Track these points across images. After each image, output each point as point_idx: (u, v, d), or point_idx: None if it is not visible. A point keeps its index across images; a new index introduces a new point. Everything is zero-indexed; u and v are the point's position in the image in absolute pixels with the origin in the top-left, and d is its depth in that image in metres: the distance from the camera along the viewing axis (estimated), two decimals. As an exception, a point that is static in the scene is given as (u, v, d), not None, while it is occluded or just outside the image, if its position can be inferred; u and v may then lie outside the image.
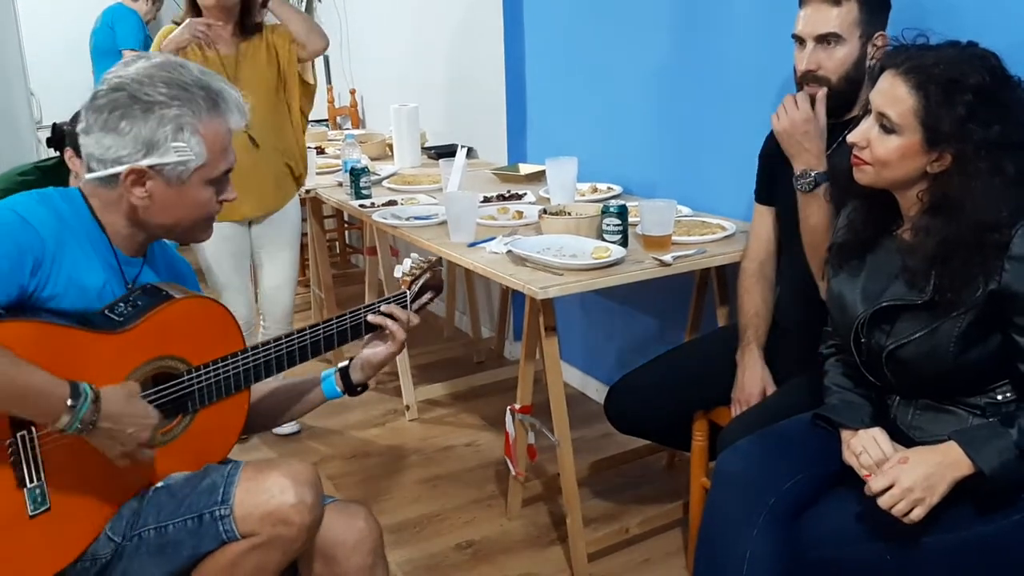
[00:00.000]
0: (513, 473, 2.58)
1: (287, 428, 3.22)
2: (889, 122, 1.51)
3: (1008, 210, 1.44)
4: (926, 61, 1.49)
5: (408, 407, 3.35)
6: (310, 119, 3.19)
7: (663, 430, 2.34)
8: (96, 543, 1.46)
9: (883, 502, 1.46)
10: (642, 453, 2.84)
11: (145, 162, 1.44)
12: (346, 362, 1.75)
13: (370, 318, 1.69)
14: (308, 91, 3.05)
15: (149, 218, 1.51)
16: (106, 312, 1.46)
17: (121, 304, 1.48)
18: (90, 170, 1.47)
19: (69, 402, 1.31)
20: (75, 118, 2.49)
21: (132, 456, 1.42)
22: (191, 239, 1.61)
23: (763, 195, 2.24)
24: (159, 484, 1.52)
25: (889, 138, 1.52)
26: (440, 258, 1.86)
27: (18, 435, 1.34)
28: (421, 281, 1.77)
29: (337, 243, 5.39)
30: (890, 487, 1.46)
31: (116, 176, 1.45)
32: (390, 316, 1.70)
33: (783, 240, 2.19)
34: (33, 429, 1.36)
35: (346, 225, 5.30)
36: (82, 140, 1.46)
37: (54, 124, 2.53)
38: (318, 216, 3.74)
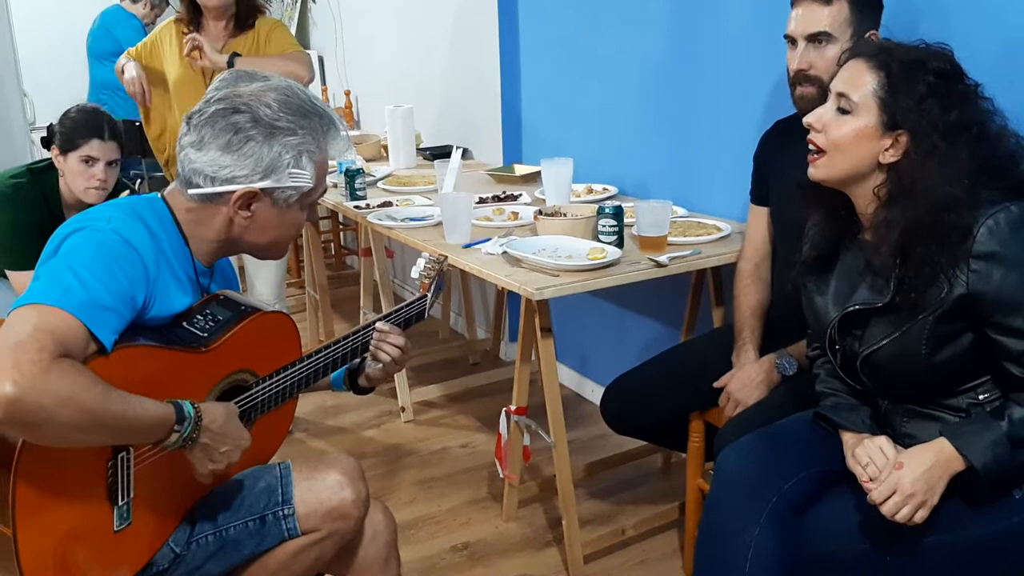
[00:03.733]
0: (502, 475, 2.57)
1: None
2: (848, 102, 1.52)
3: (964, 190, 1.44)
4: (889, 47, 1.53)
5: (403, 409, 3.34)
6: None
7: (659, 430, 2.34)
8: (158, 553, 1.48)
9: (887, 510, 1.46)
10: (638, 454, 2.84)
11: (260, 185, 1.44)
12: (357, 362, 1.77)
13: (371, 353, 1.71)
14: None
15: (243, 237, 1.51)
16: (185, 325, 1.46)
17: (199, 317, 1.48)
18: (193, 185, 1.46)
19: (176, 427, 1.33)
20: (65, 116, 2.51)
21: (217, 473, 1.44)
22: (271, 257, 1.62)
23: (758, 196, 2.24)
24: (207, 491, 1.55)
25: (845, 119, 1.52)
26: (446, 256, 1.88)
27: (119, 456, 1.36)
28: (435, 282, 1.82)
29: (332, 244, 5.39)
30: (892, 495, 1.46)
31: (222, 194, 1.45)
32: (394, 345, 1.71)
33: (777, 241, 2.19)
34: (131, 449, 1.37)
35: (341, 226, 5.30)
36: (189, 154, 1.45)
37: (50, 125, 2.53)
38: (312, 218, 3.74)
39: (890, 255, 1.50)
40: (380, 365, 1.72)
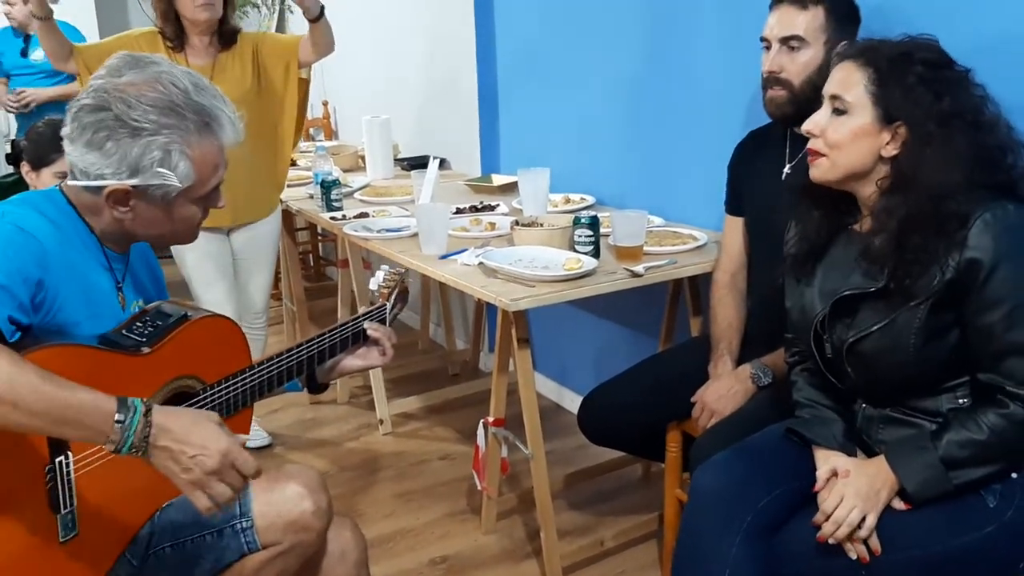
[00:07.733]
0: (479, 487, 2.56)
1: (257, 440, 3.18)
2: (842, 103, 1.53)
3: (962, 177, 1.45)
4: (874, 44, 1.56)
5: (382, 421, 3.32)
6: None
7: (637, 441, 2.33)
8: (115, 566, 1.45)
9: (836, 516, 1.50)
10: (617, 465, 2.83)
11: (128, 183, 1.41)
12: None
13: (370, 333, 1.72)
14: (303, 87, 3.05)
15: (134, 230, 1.49)
16: (124, 332, 1.44)
17: (139, 324, 1.46)
18: (73, 177, 1.44)
19: (117, 416, 1.21)
20: (33, 131, 2.48)
21: (204, 487, 1.29)
22: (179, 243, 1.59)
23: (733, 206, 2.24)
24: (166, 503, 1.52)
25: (842, 120, 1.54)
26: (408, 269, 1.87)
27: (56, 460, 1.31)
28: (395, 292, 1.80)
29: (311, 255, 5.36)
30: (839, 503, 1.51)
31: (98, 189, 1.42)
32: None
33: (752, 251, 2.19)
34: (69, 455, 1.32)
35: (320, 237, 5.27)
36: (66, 146, 1.42)
37: (13, 141, 2.51)
38: (290, 229, 3.72)
39: (888, 241, 1.51)
40: (360, 362, 1.74)
